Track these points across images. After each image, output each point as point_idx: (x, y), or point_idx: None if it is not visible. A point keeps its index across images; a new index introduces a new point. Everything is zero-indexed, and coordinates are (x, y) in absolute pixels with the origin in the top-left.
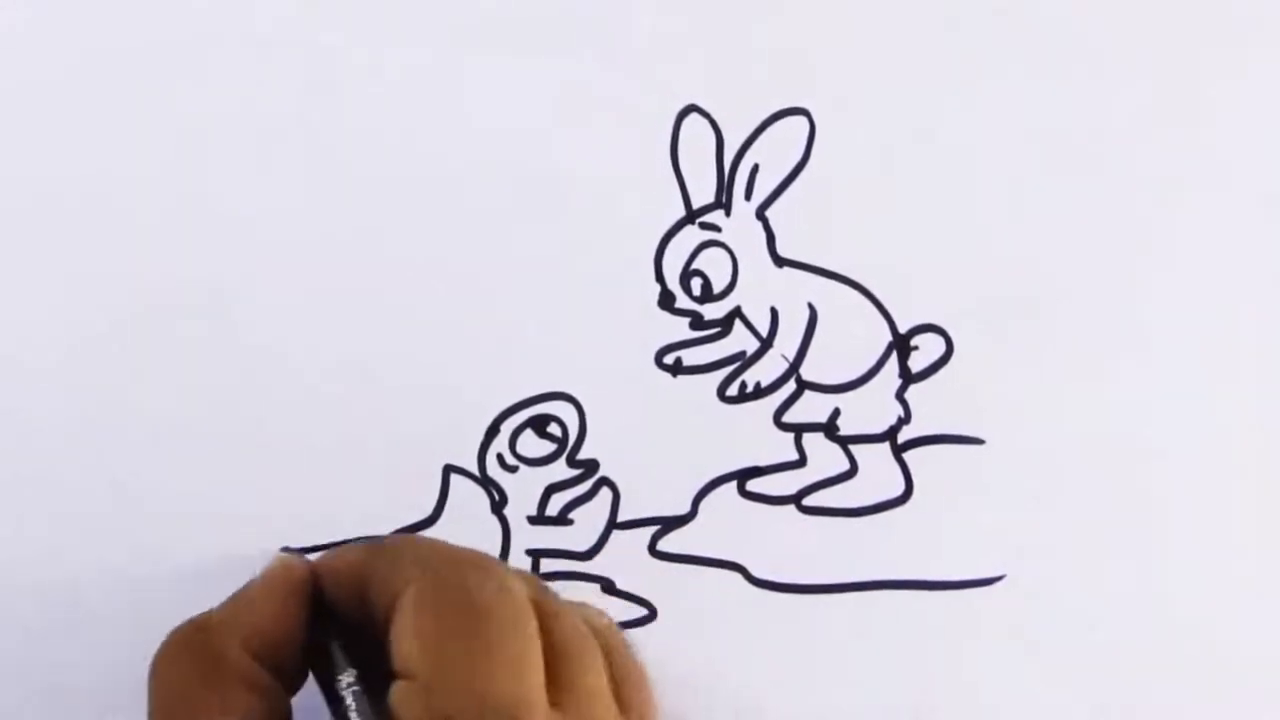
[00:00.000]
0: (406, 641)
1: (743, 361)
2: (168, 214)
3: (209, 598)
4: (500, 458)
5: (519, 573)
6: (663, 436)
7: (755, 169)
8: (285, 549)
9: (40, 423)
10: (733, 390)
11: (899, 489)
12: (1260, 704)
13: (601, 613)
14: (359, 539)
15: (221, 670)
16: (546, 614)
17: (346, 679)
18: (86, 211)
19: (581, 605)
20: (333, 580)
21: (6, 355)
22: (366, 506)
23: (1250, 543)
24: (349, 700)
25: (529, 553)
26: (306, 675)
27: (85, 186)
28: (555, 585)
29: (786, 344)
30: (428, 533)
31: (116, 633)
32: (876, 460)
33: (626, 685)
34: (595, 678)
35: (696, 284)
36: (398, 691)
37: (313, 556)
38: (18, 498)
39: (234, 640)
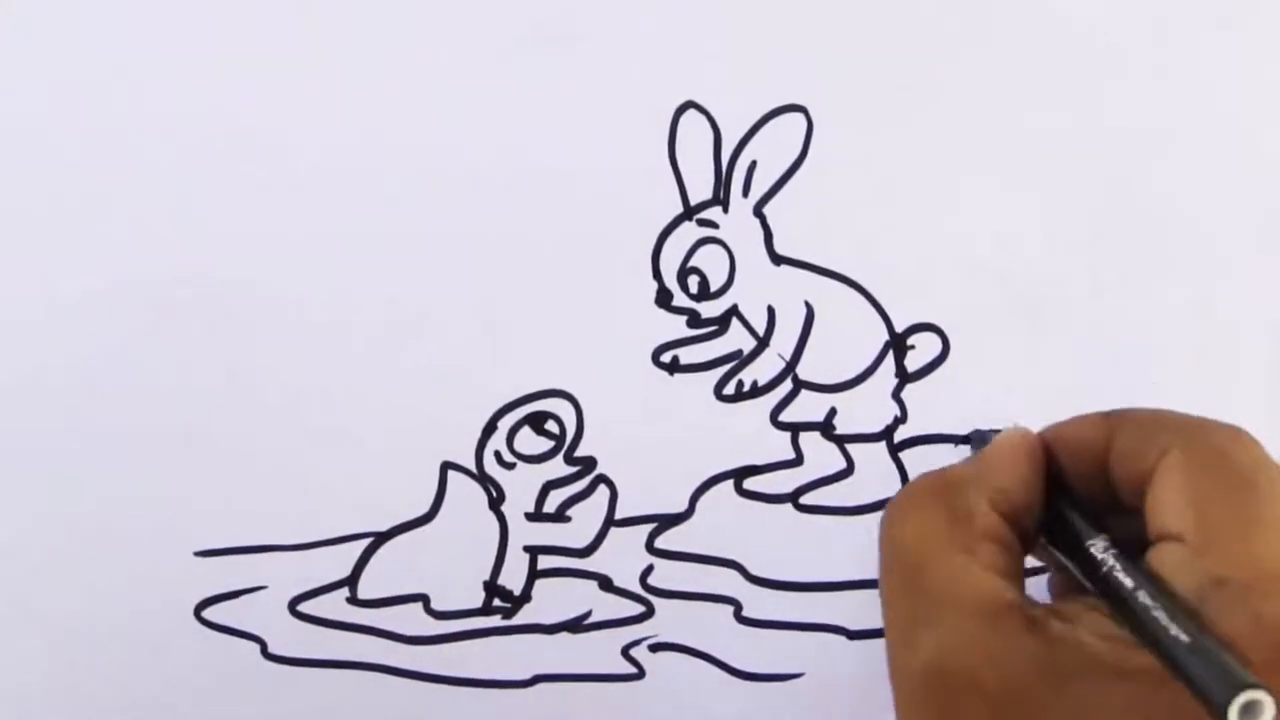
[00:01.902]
0: (1172, 505)
1: (740, 360)
2: (168, 213)
3: (209, 590)
4: (498, 455)
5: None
6: (660, 434)
7: (753, 166)
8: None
9: (40, 416)
10: (730, 389)
11: (895, 487)
12: None
13: None
14: (356, 535)
15: (969, 522)
16: None
17: (1101, 543)
18: (88, 210)
19: None
20: (1067, 450)
21: (13, 352)
22: (365, 502)
23: None
24: (1111, 562)
25: (527, 549)
26: (1036, 540)
27: (87, 186)
28: (550, 583)
29: (783, 343)
30: (424, 530)
31: (119, 627)
32: (873, 459)
33: None
34: None
35: (694, 281)
36: (1162, 552)
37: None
38: (19, 495)
39: (981, 495)
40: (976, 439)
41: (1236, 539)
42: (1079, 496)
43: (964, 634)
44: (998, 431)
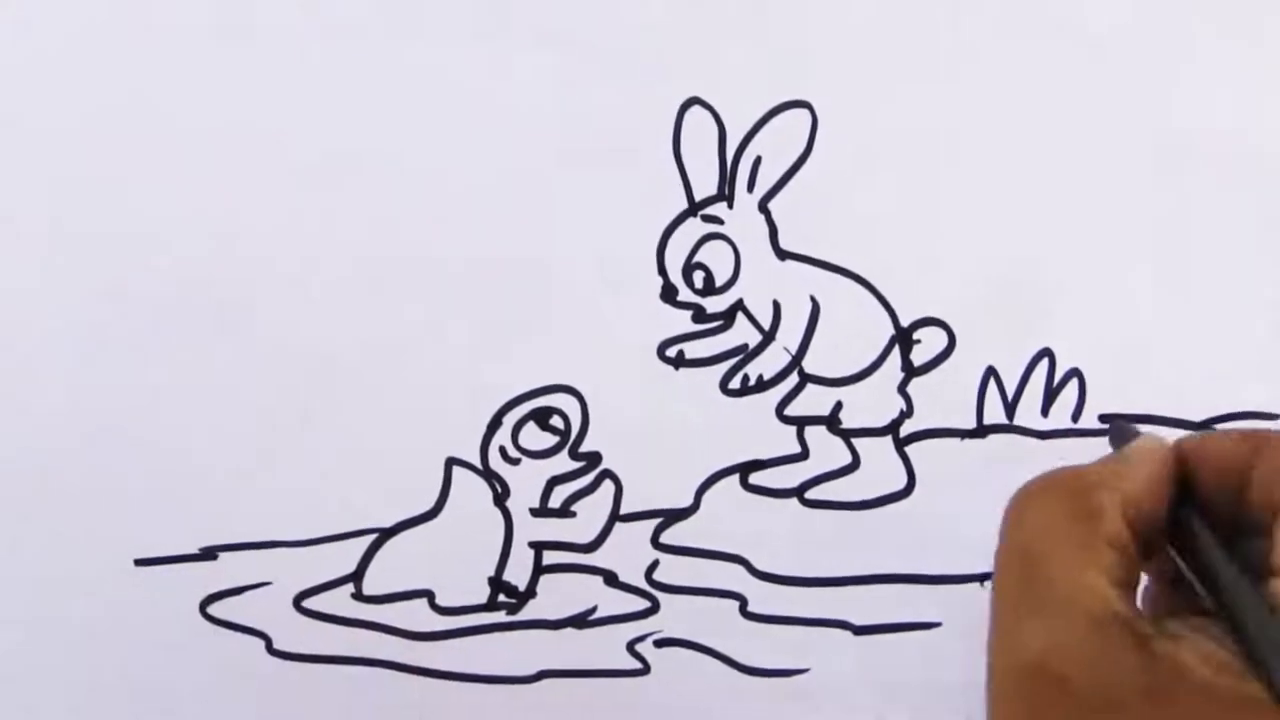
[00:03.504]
0: None
1: (745, 355)
2: (169, 212)
3: (214, 586)
4: (503, 450)
5: None
6: (665, 429)
7: (758, 161)
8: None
9: (48, 414)
10: (735, 383)
11: (901, 482)
12: None
13: None
14: (361, 531)
15: (1096, 524)
16: None
17: (1229, 564)
18: (91, 208)
19: None
20: (1205, 465)
21: (17, 352)
22: (369, 498)
23: None
24: (1236, 584)
25: (532, 545)
26: (1157, 551)
27: (90, 185)
28: (555, 578)
29: (789, 337)
30: (429, 525)
31: (125, 623)
32: (879, 453)
33: None
34: None
35: (699, 277)
36: None
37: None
38: (21, 493)
39: (1113, 500)
40: (1115, 431)
41: None
42: (1209, 514)
43: (1070, 636)
44: (1135, 426)
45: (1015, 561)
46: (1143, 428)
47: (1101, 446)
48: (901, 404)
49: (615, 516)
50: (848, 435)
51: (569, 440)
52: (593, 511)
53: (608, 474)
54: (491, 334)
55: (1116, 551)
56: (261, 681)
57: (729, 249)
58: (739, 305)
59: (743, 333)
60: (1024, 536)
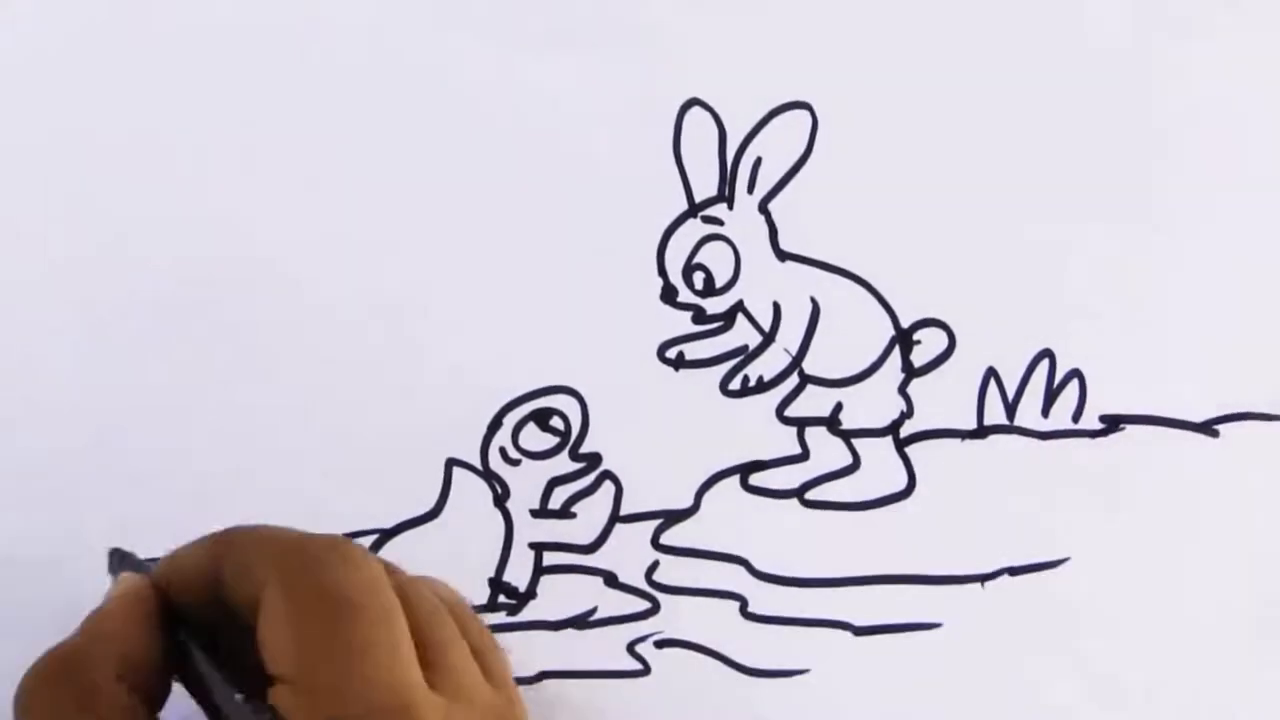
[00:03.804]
0: (278, 644)
1: (745, 355)
2: (168, 211)
3: None
4: (503, 451)
5: (364, 549)
6: (665, 430)
7: (758, 162)
8: (115, 550)
9: (48, 411)
10: (735, 384)
11: (901, 483)
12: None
13: (443, 583)
14: (360, 532)
15: (96, 702)
16: (405, 593)
17: (228, 691)
18: (88, 210)
19: (424, 578)
20: (181, 586)
21: (16, 351)
22: (369, 499)
23: (1248, 551)
24: (235, 712)
25: (532, 546)
26: (170, 688)
27: (86, 185)
28: (555, 579)
29: (789, 338)
30: (431, 526)
31: None
32: (879, 454)
33: (485, 655)
34: (459, 651)
35: (699, 278)
36: (279, 695)
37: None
38: (22, 493)
39: (106, 671)
40: (112, 560)
41: (341, 673)
42: (206, 627)
43: None
44: (131, 554)
45: None
46: (1156, 429)
47: (1101, 447)
48: (902, 405)
49: (615, 517)
50: (848, 436)
51: (569, 441)
52: (593, 512)
53: (608, 475)
54: (492, 335)
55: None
56: None
57: (729, 250)
58: (739, 306)
59: (743, 334)
60: None
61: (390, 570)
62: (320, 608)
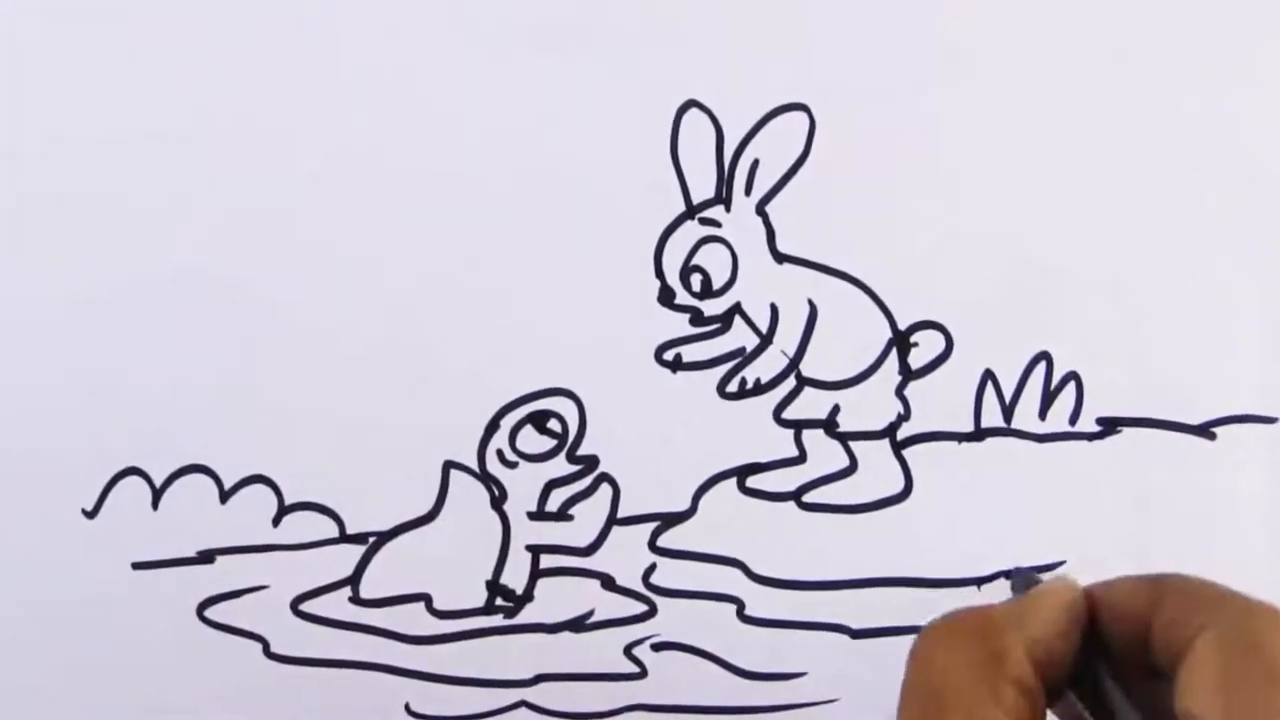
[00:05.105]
0: (1201, 689)
1: (743, 358)
2: (167, 212)
3: (211, 589)
4: (500, 453)
5: None
6: (663, 433)
7: (755, 164)
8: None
9: (45, 414)
10: (733, 386)
11: (899, 485)
12: None
13: None
14: (358, 534)
15: (1001, 665)
16: None
17: (1127, 708)
18: (87, 210)
19: None
20: (1110, 609)
21: (16, 351)
22: (367, 502)
23: (1246, 552)
24: None
25: (529, 548)
26: (1061, 694)
27: (86, 185)
28: (552, 582)
29: (786, 340)
30: (427, 529)
31: (122, 626)
32: (876, 457)
33: None
34: None
35: (696, 280)
36: None
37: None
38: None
39: (1018, 642)
40: (1017, 578)
41: None
42: (1116, 658)
43: None
44: (1037, 573)
45: (918, 699)
46: (1153, 432)
47: (1101, 450)
48: (899, 407)
49: (613, 520)
50: (845, 438)
51: (566, 443)
52: (590, 515)
53: (605, 477)
54: (489, 337)
55: (1020, 692)
56: (259, 684)
57: (726, 252)
58: (736, 308)
59: (740, 336)
60: (928, 675)
61: None
62: (1254, 666)
